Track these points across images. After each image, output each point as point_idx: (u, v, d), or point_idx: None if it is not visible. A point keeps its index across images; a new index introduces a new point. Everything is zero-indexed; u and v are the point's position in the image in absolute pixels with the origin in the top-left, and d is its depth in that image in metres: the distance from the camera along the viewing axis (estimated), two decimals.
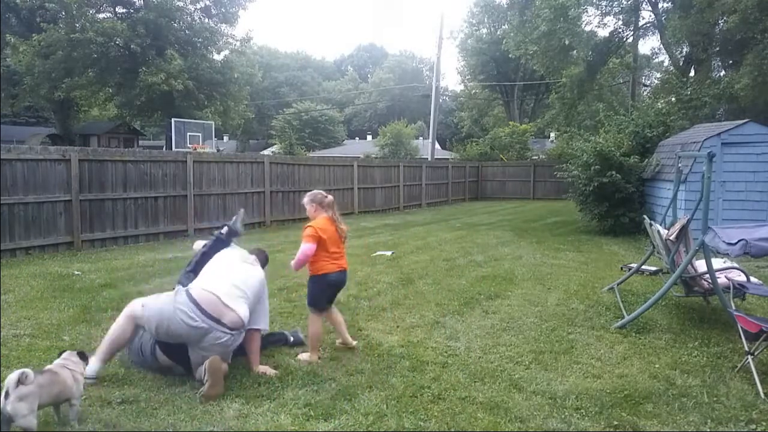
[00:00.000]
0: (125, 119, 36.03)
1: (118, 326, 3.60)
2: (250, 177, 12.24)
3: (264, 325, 3.88)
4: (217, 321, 3.43)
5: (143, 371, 3.74)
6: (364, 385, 3.58)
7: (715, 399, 3.43)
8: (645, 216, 6.97)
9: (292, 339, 4.37)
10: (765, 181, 9.37)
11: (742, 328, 3.86)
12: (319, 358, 4.06)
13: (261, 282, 3.86)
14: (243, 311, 3.58)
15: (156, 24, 27.16)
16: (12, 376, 2.74)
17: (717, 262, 5.03)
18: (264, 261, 4.20)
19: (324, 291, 4.09)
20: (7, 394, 2.70)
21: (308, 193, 4.22)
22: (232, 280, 3.67)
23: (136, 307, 3.59)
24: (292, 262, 3.97)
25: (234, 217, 4.42)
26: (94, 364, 3.50)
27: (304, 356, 4.05)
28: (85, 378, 3.25)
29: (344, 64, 76.59)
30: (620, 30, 22.27)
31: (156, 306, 3.51)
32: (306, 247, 3.90)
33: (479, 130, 41.93)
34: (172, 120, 26.47)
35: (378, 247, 9.53)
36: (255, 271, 3.92)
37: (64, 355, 3.14)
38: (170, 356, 3.63)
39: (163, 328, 3.43)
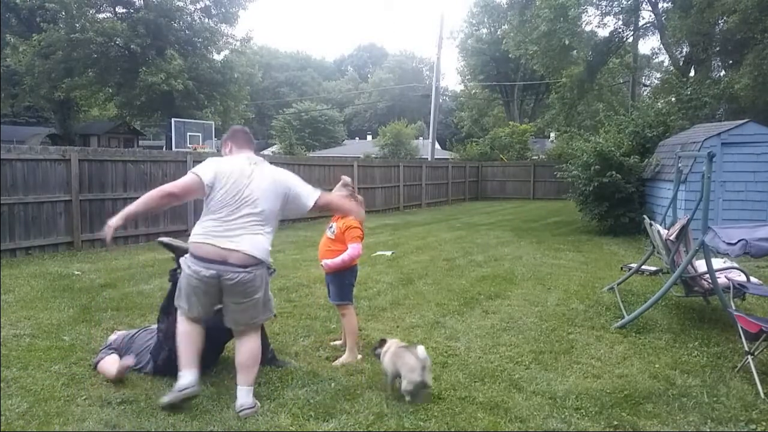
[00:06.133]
0: (125, 119, 36.04)
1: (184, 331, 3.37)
2: None
3: (311, 201, 3.44)
4: (223, 263, 3.21)
5: (142, 372, 3.73)
6: (364, 385, 3.58)
7: (715, 399, 3.43)
8: (645, 216, 6.97)
9: (166, 239, 4.05)
10: (765, 181, 9.37)
11: (742, 328, 3.85)
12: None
13: (272, 182, 3.37)
14: (246, 246, 3.21)
15: (156, 24, 27.17)
16: (423, 351, 3.28)
17: (717, 262, 5.03)
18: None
19: (352, 282, 4.27)
20: (424, 367, 3.24)
21: (344, 185, 4.15)
22: (227, 214, 3.24)
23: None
24: (335, 261, 4.02)
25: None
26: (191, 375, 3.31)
27: (341, 359, 4.02)
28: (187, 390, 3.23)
29: (344, 64, 76.61)
30: (620, 30, 22.25)
31: (179, 285, 3.37)
32: (359, 247, 4.08)
33: (479, 130, 41.83)
34: (172, 120, 26.47)
35: (378, 247, 9.53)
36: (261, 172, 3.37)
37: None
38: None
39: (194, 297, 3.29)
